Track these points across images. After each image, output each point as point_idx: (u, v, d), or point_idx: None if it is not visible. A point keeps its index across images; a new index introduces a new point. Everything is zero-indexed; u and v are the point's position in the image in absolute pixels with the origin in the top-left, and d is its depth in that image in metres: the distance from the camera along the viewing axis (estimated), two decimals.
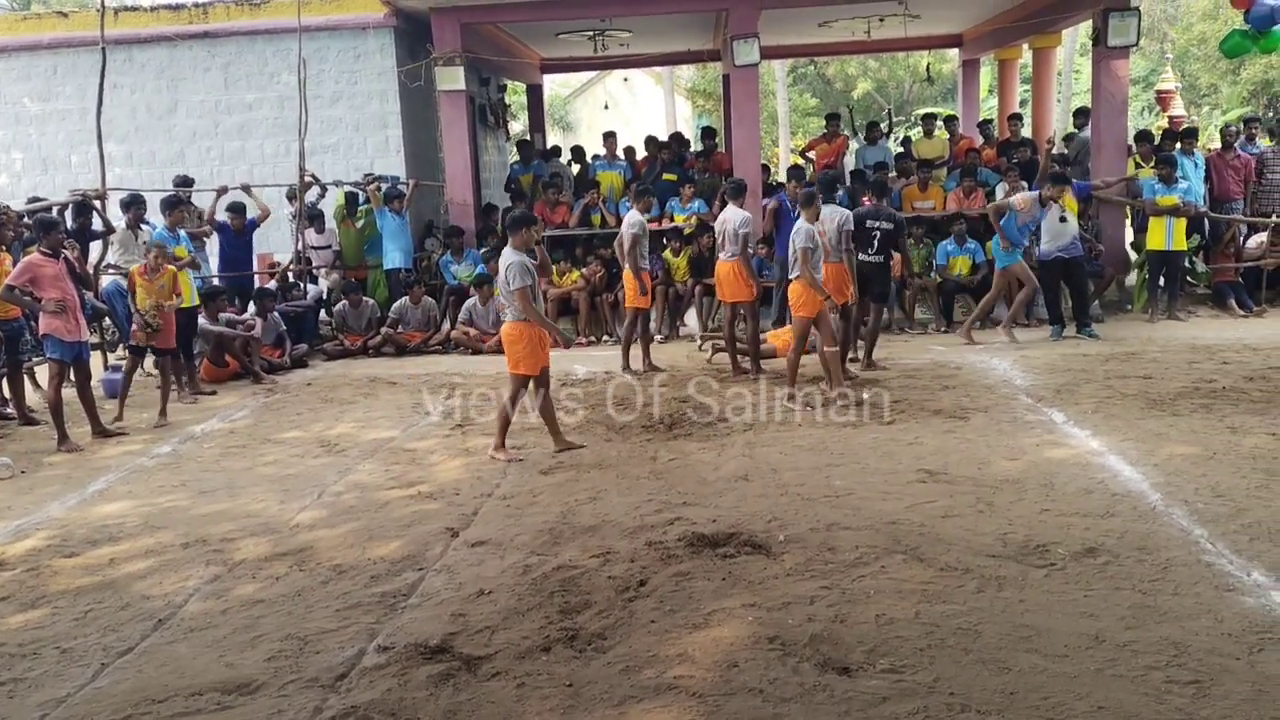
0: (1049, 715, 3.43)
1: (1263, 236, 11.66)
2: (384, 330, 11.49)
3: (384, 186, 12.20)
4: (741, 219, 9.12)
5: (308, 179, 12.17)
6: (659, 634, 4.15)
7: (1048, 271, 10.59)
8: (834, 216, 8.86)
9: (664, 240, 12.37)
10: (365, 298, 11.92)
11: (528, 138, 17.79)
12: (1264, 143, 13.06)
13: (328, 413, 8.76)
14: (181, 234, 10.15)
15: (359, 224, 12.52)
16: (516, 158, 15.18)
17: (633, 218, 9.69)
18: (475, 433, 7.80)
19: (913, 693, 3.60)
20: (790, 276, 8.38)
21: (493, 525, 5.65)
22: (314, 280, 12.59)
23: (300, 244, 12.15)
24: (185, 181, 11.93)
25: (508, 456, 6.99)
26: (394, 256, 12.11)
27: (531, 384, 7.14)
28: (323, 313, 12.42)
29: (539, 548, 5.22)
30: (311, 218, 12.37)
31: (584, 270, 12.06)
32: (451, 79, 12.38)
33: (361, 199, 12.52)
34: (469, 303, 11.58)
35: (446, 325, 11.94)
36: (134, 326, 8.96)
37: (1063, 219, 10.29)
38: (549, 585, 4.70)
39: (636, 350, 9.88)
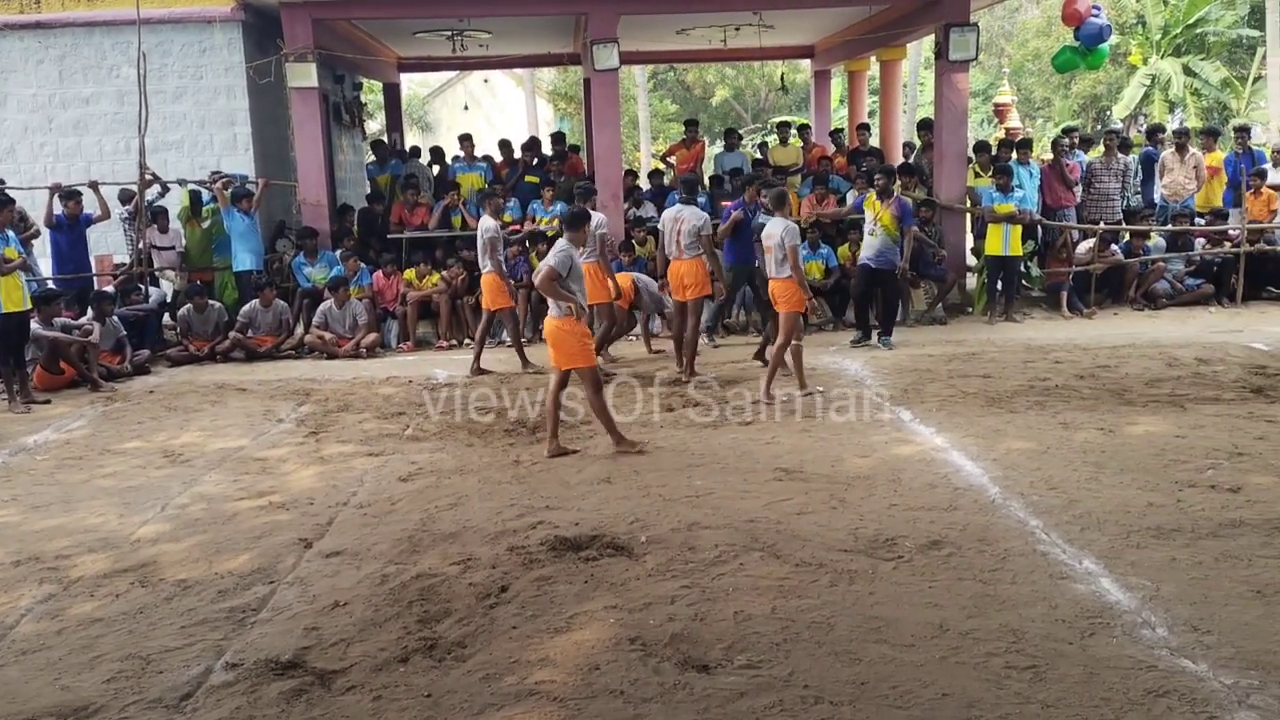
0: (897, 704, 3.56)
1: (1092, 242, 12.37)
2: (233, 335, 11.08)
3: (233, 186, 11.78)
4: (702, 218, 9.12)
5: (148, 177, 11.64)
6: (520, 640, 4.13)
7: (858, 280, 10.80)
8: (694, 219, 9.04)
9: (524, 244, 12.32)
10: (212, 301, 11.46)
11: (384, 138, 17.44)
12: (1094, 154, 13.85)
13: (172, 421, 8.40)
14: (10, 235, 9.56)
15: (205, 224, 12.03)
16: (373, 158, 14.87)
17: (486, 223, 9.67)
18: (330, 439, 7.61)
19: (769, 687, 3.68)
20: (777, 275, 8.35)
21: (348, 535, 5.52)
22: (156, 283, 12.05)
23: (142, 244, 11.61)
24: None
25: (624, 448, 6.95)
26: (243, 258, 11.68)
27: (557, 377, 7.08)
28: (166, 317, 11.89)
29: (397, 556, 5.13)
30: (154, 215, 11.83)
31: (444, 273, 11.90)
32: (303, 76, 12.03)
33: (207, 198, 12.05)
34: (324, 306, 11.28)
35: (300, 329, 11.60)
36: None
37: (871, 232, 10.35)
38: (407, 595, 4.62)
39: (492, 353, 9.83)
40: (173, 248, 12.15)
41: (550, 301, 6.92)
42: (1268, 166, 13.11)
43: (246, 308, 11.29)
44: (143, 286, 11.62)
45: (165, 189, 12.20)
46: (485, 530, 5.44)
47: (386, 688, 3.79)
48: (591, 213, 9.05)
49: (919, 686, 3.66)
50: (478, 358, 9.98)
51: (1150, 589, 4.42)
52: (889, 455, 6.65)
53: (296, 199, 12.80)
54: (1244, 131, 13.88)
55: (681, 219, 9.18)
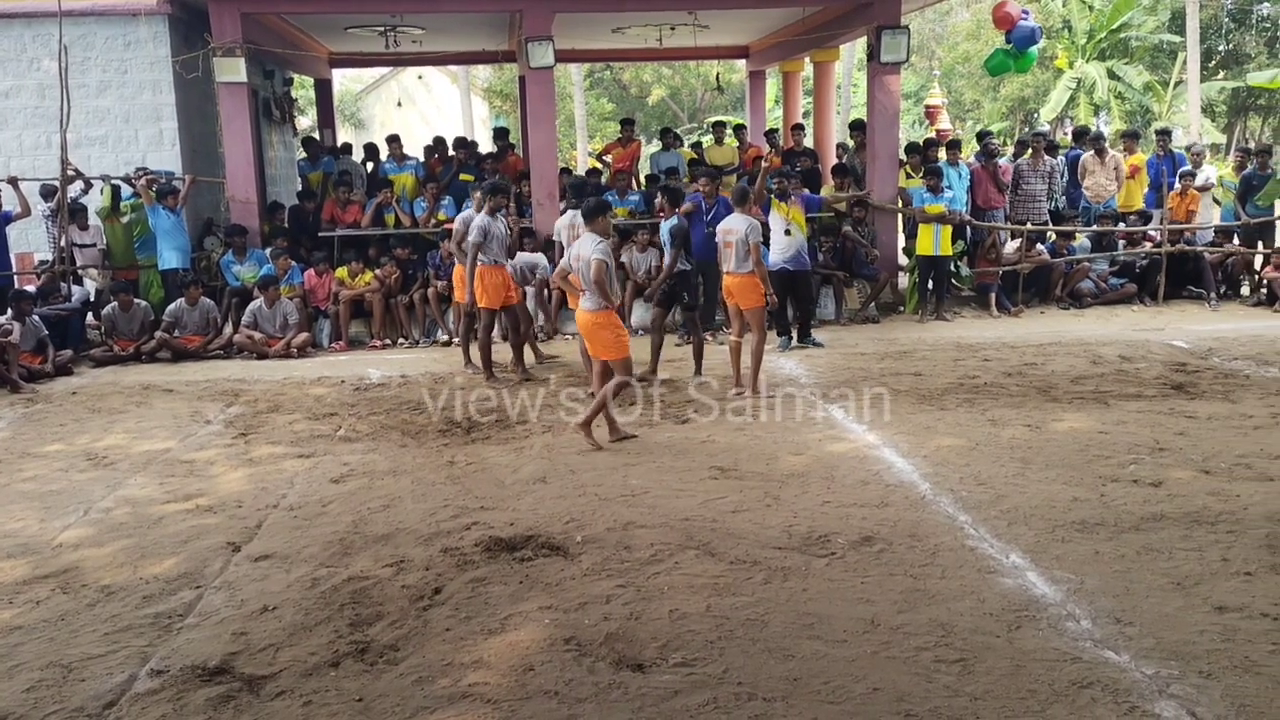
0: (829, 699, 3.60)
1: (1019, 242, 12.63)
2: (159, 334, 10.82)
3: (159, 183, 11.51)
4: (749, 225, 8.26)
5: (70, 172, 11.33)
6: (454, 642, 4.10)
7: (776, 285, 10.33)
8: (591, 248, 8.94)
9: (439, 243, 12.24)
10: (137, 300, 11.18)
11: (315, 135, 17.18)
12: (1027, 156, 14.12)
13: (95, 423, 8.18)
14: None
15: (124, 219, 11.71)
16: (304, 154, 14.63)
17: (478, 219, 9.17)
18: (260, 441, 7.48)
19: (703, 685, 3.70)
20: (738, 271, 8.24)
21: (278, 538, 5.43)
22: (80, 281, 11.73)
23: (64, 241, 11.29)
24: None
25: (620, 435, 7.13)
26: (169, 256, 11.41)
27: (599, 367, 7.26)
28: (90, 316, 11.59)
29: (328, 559, 5.06)
30: (73, 212, 11.51)
31: (378, 271, 11.76)
32: (231, 70, 11.79)
33: (128, 193, 11.75)
34: (253, 305, 11.07)
35: (229, 329, 11.38)
36: None
37: (787, 232, 10.19)
38: (338, 598, 4.56)
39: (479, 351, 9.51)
40: (94, 245, 11.83)
41: (585, 294, 7.08)
42: (1189, 168, 13.49)
43: (172, 306, 11.03)
44: (65, 285, 11.30)
45: (88, 185, 11.89)
46: (419, 531, 5.39)
47: (317, 692, 3.74)
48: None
49: (851, 681, 3.71)
50: (489, 364, 9.37)
51: (1075, 582, 4.53)
52: (823, 453, 6.72)
53: (225, 196, 12.55)
54: (1165, 134, 14.28)
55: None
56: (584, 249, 7.15)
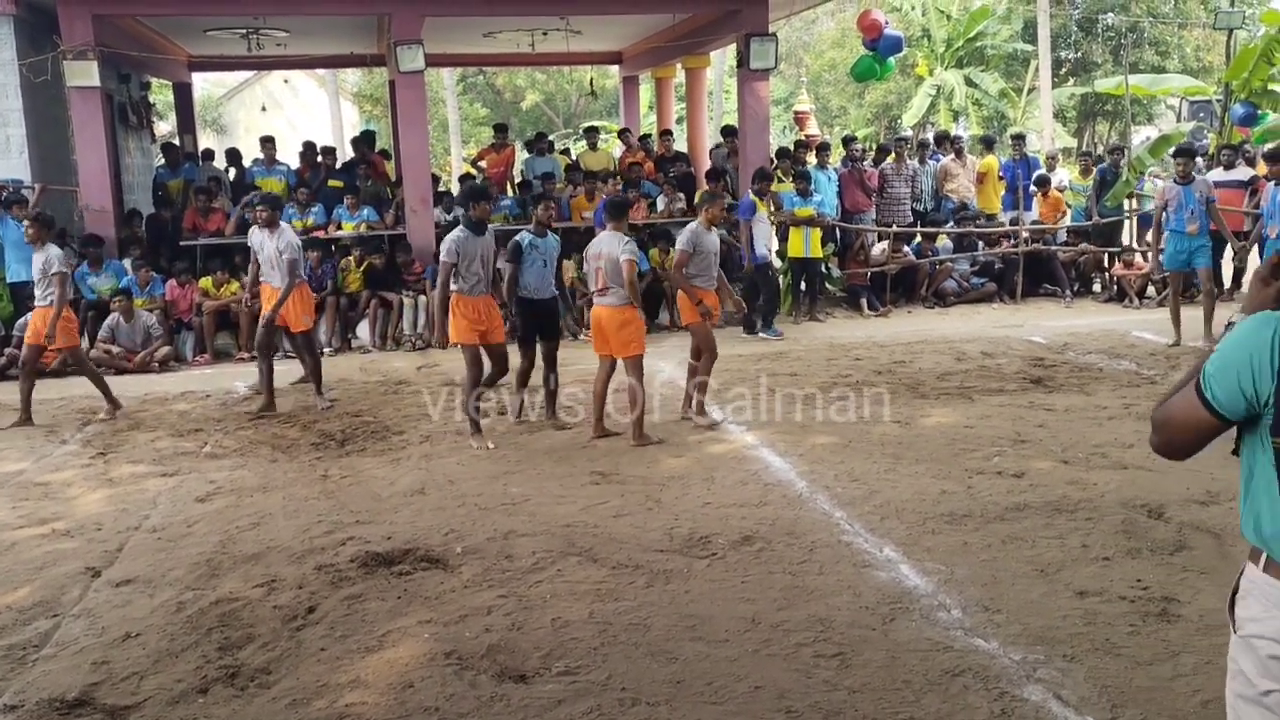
0: (712, 700, 3.62)
1: (886, 244, 13.00)
2: (7, 351, 10.23)
3: (6, 190, 10.89)
4: (624, 243, 7.08)
5: None
6: (330, 662, 3.98)
7: (761, 274, 11.39)
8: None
9: (332, 247, 11.95)
10: None
11: (175, 141, 16.54)
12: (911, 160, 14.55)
13: None
14: None
15: None
16: (163, 161, 14.06)
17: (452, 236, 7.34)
18: (120, 460, 7.14)
19: (587, 692, 3.68)
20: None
21: (141, 561, 5.19)
22: None
23: None
24: None
25: (643, 441, 7.02)
26: (17, 269, 10.78)
27: (608, 367, 7.22)
28: None
29: (194, 582, 4.86)
30: None
31: (244, 280, 11.36)
32: (83, 74, 11.25)
33: None
34: (110, 318, 10.57)
35: (85, 343, 10.83)
36: None
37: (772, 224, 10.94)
38: (206, 621, 4.38)
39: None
40: None
41: (610, 291, 6.97)
42: (1044, 171, 14.12)
43: (21, 321, 10.44)
44: None
45: None
46: (291, 549, 5.22)
47: None
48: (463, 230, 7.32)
49: (733, 681, 3.74)
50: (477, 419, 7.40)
51: (945, 573, 4.67)
52: (702, 454, 6.78)
53: (79, 205, 11.95)
54: (1020, 139, 14.90)
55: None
56: (609, 247, 6.97)
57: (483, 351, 7.45)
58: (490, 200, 7.69)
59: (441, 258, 7.25)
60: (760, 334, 11.27)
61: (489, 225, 7.54)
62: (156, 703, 3.73)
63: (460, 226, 7.35)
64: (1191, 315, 10.02)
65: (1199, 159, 14.98)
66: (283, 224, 8.51)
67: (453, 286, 7.23)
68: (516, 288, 7.58)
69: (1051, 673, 3.74)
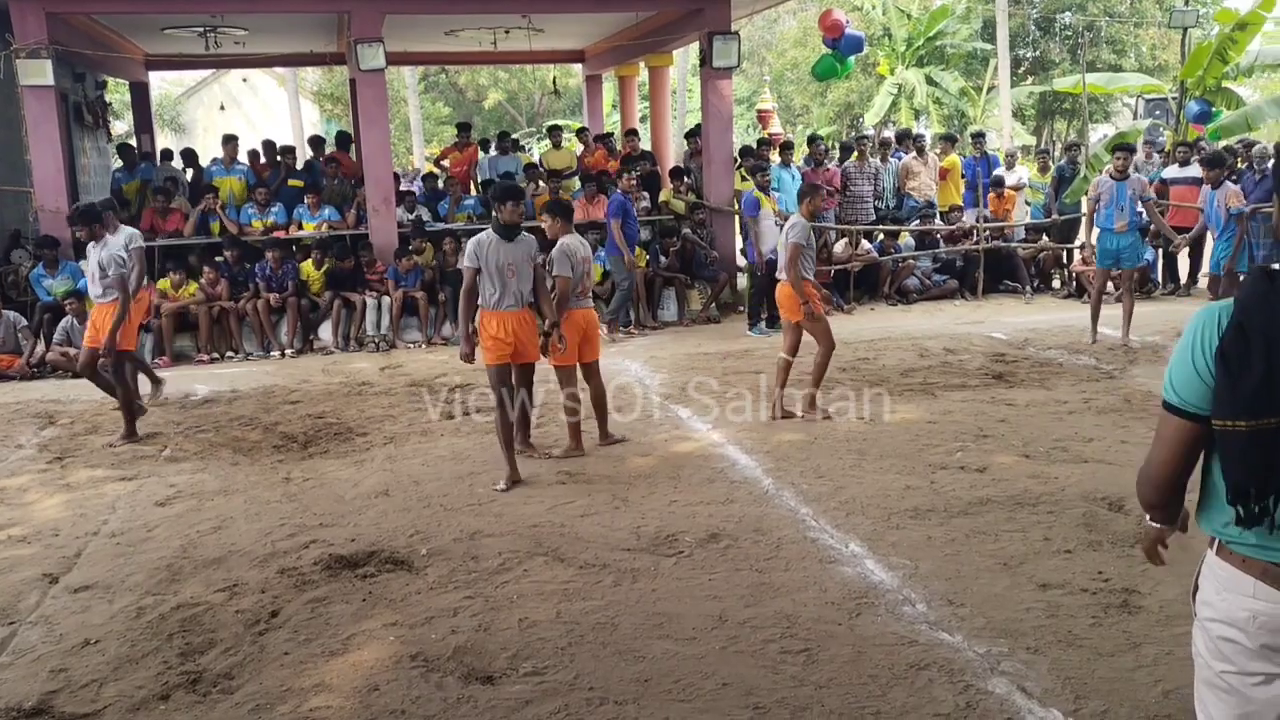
0: (680, 697, 3.62)
1: (846, 241, 13.07)
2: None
3: None
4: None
5: None
6: (293, 666, 3.94)
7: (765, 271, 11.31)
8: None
9: (293, 248, 11.84)
10: None
11: (132, 140, 16.30)
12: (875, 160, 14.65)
13: None
14: None
15: None
16: (120, 163, 13.83)
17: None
18: (78, 465, 7.03)
19: (554, 693, 3.66)
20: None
21: (100, 567, 5.10)
22: None
23: None
24: None
25: (609, 440, 7.00)
26: None
27: (579, 372, 6.92)
28: None
29: (155, 587, 4.79)
30: None
31: (201, 280, 11.24)
32: (37, 73, 11.06)
33: None
34: (65, 321, 10.40)
35: (41, 346, 10.65)
36: None
37: (777, 224, 10.93)
38: (167, 627, 4.32)
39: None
40: None
41: (584, 295, 6.86)
42: (1002, 171, 14.25)
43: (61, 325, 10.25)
44: None
45: None
46: (253, 553, 5.16)
47: None
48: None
49: (700, 678, 3.74)
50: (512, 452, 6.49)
51: (910, 567, 4.70)
52: (669, 453, 6.78)
53: (33, 206, 11.75)
54: (980, 137, 15.04)
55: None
56: (586, 250, 6.92)
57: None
58: (521, 199, 6.55)
59: (463, 261, 6.53)
60: (764, 331, 11.25)
61: (523, 230, 6.50)
62: (117, 710, 3.67)
63: (489, 229, 6.42)
64: (1146, 311, 10.13)
65: (1156, 155, 15.24)
66: (119, 232, 7.81)
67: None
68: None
69: (1015, 665, 3.78)
